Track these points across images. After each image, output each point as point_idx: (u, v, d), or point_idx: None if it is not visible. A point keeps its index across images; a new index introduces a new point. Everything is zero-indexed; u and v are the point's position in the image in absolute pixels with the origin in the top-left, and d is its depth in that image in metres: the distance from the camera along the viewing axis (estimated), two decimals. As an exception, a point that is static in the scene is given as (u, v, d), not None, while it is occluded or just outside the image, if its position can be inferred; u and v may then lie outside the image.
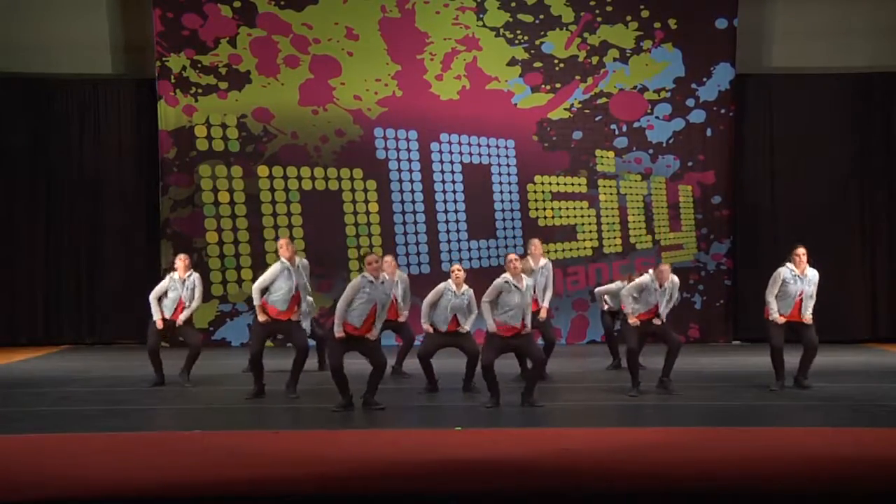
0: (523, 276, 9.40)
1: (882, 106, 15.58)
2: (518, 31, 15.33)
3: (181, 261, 10.69)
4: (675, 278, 10.18)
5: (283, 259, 9.83)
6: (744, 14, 15.38)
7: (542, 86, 15.42)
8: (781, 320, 10.08)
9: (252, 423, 8.91)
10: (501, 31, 15.31)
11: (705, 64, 15.42)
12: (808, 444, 7.62)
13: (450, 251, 15.33)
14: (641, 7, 15.36)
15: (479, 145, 15.45)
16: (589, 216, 15.61)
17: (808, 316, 10.11)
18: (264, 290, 9.81)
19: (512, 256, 9.39)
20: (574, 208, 15.58)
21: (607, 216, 15.60)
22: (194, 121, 15.10)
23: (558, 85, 15.43)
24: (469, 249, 15.40)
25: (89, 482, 6.54)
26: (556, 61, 15.40)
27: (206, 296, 13.93)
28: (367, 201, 15.30)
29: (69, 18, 15.23)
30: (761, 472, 6.84)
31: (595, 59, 15.42)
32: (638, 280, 10.14)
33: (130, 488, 6.43)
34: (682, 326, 14.39)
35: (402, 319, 11.17)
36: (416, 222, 15.37)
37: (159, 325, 10.51)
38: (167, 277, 10.72)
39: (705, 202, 15.59)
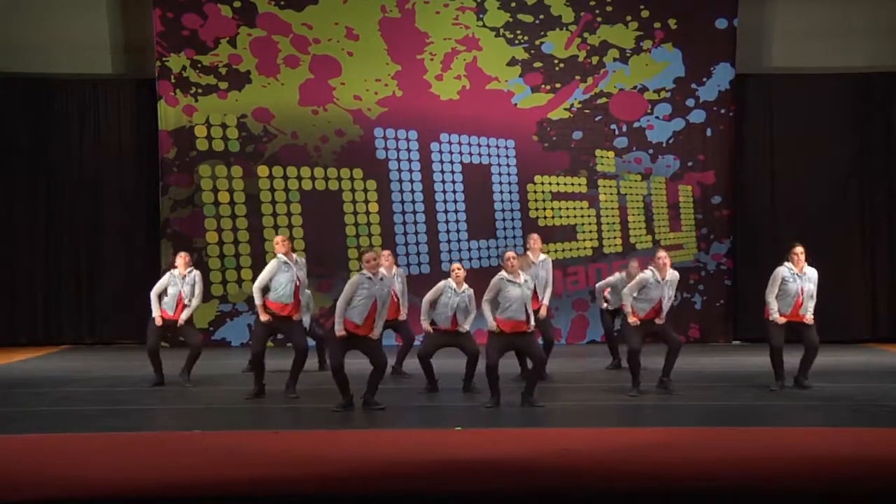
0: (521, 273, 9.42)
1: (882, 106, 15.58)
2: (518, 31, 15.33)
3: (181, 258, 10.70)
4: (675, 273, 10.16)
5: (279, 255, 9.87)
6: (744, 14, 15.38)
7: (542, 86, 15.42)
8: (782, 320, 10.08)
9: (252, 423, 8.91)
10: (501, 31, 15.32)
11: (705, 64, 15.42)
12: (808, 444, 7.62)
13: (450, 251, 15.32)
14: (641, 7, 15.36)
15: (479, 145, 15.46)
16: (589, 216, 15.61)
17: (809, 316, 10.11)
18: (265, 289, 9.84)
19: (510, 255, 9.39)
20: (574, 208, 15.58)
21: (607, 216, 15.60)
22: (194, 121, 15.10)
23: (558, 85, 15.44)
24: (469, 249, 15.41)
25: (89, 482, 6.54)
26: (556, 61, 15.41)
27: (206, 296, 13.94)
28: (367, 201, 15.30)
29: (69, 18, 15.23)
30: (761, 472, 6.83)
31: (595, 59, 15.42)
32: (638, 277, 10.12)
33: (130, 488, 6.43)
34: (682, 326, 14.40)
35: (402, 318, 11.18)
36: (416, 222, 15.37)
37: (158, 322, 10.51)
38: (167, 274, 10.72)
39: (705, 202, 15.59)
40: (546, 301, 10.92)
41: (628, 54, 15.43)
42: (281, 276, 9.78)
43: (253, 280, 10.35)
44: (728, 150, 15.58)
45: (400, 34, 15.20)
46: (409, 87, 15.24)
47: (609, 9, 15.34)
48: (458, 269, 10.07)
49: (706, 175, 15.59)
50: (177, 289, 10.53)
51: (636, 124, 15.53)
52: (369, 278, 9.00)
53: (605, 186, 15.60)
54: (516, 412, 9.10)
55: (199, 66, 15.05)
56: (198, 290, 10.65)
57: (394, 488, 6.64)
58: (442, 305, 9.95)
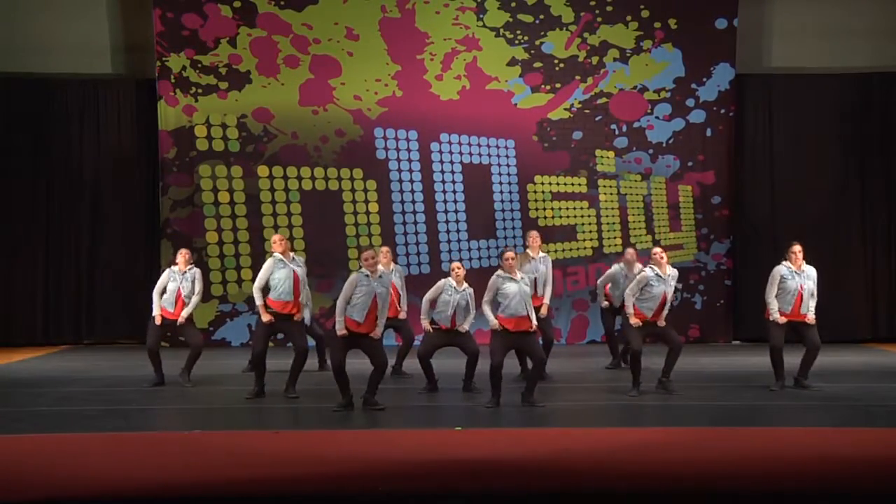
0: (518, 271, 9.44)
1: (882, 106, 15.58)
2: (518, 32, 15.33)
3: (182, 255, 10.69)
4: (674, 269, 10.17)
5: (275, 254, 9.88)
6: (744, 14, 15.38)
7: (542, 86, 15.42)
8: (783, 320, 10.08)
9: (252, 423, 8.92)
10: (501, 31, 15.31)
11: (705, 64, 15.42)
12: (808, 444, 7.62)
13: (450, 251, 15.32)
14: (641, 7, 15.36)
15: (479, 145, 15.45)
16: (589, 216, 15.61)
17: (810, 316, 10.11)
18: (265, 289, 9.86)
19: (509, 254, 9.39)
20: (574, 208, 15.58)
21: (607, 216, 15.60)
22: (194, 121, 15.09)
23: (558, 85, 15.44)
24: (469, 249, 15.40)
25: (89, 482, 6.55)
26: (556, 61, 15.41)
27: (206, 296, 13.95)
28: (367, 201, 15.30)
29: (69, 18, 15.23)
30: (761, 472, 6.84)
31: (595, 59, 15.42)
32: (638, 277, 10.13)
33: (130, 488, 6.44)
34: (682, 326, 14.37)
35: (401, 317, 11.19)
36: (416, 222, 15.37)
37: (157, 320, 10.51)
38: (167, 271, 10.72)
39: (705, 202, 15.59)
40: (547, 300, 10.94)
41: (628, 54, 15.43)
42: (278, 272, 9.82)
43: (253, 280, 10.36)
44: (728, 150, 15.58)
45: (400, 34, 15.20)
46: (409, 87, 15.23)
47: (609, 9, 15.34)
48: (458, 267, 10.08)
49: (706, 175, 15.59)
50: (176, 284, 10.52)
51: (636, 124, 15.53)
52: (367, 276, 9.02)
53: (605, 186, 15.60)
54: (516, 412, 9.10)
55: (199, 66, 15.05)
56: (198, 287, 10.65)
57: (394, 488, 6.64)
58: (442, 303, 9.95)
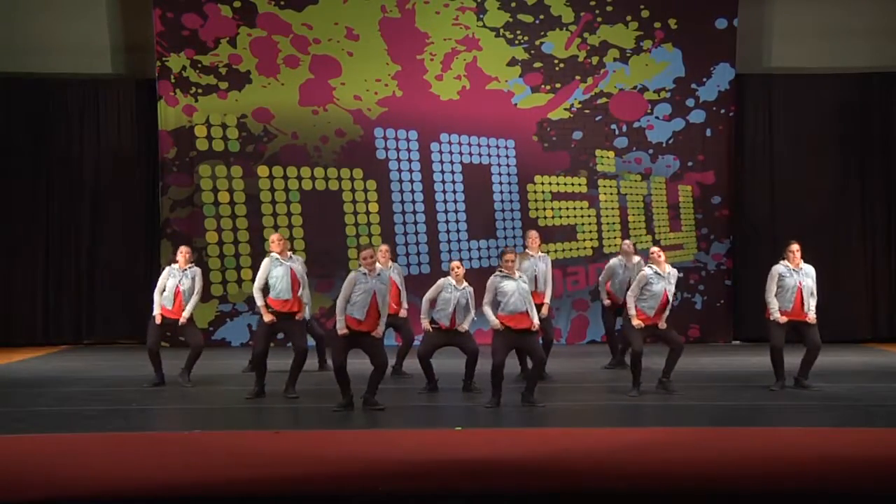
0: (517, 270, 9.47)
1: (882, 106, 15.58)
2: (518, 32, 15.33)
3: (182, 254, 10.66)
4: (675, 270, 10.18)
5: (272, 253, 9.90)
6: (744, 14, 15.38)
7: (542, 86, 15.42)
8: (783, 319, 10.09)
9: (252, 423, 8.92)
10: (501, 31, 15.31)
11: (705, 64, 15.42)
12: (808, 444, 7.62)
13: (450, 251, 15.32)
14: (641, 7, 15.36)
15: (479, 145, 15.45)
16: (589, 216, 15.61)
17: (811, 315, 10.13)
18: (265, 289, 9.88)
19: (509, 256, 9.39)
20: (574, 208, 15.58)
21: (607, 216, 15.60)
22: (194, 121, 15.09)
23: (558, 85, 15.44)
24: (469, 249, 15.40)
25: (89, 482, 6.55)
26: (556, 61, 15.41)
27: (206, 296, 13.95)
28: (367, 201, 15.30)
29: (69, 18, 15.22)
30: (761, 472, 6.84)
31: (595, 59, 15.42)
32: (638, 277, 10.14)
33: (130, 488, 6.44)
34: (682, 326, 14.36)
35: (402, 314, 11.19)
36: (416, 222, 15.37)
37: (157, 319, 10.51)
38: (166, 269, 10.71)
39: (705, 202, 15.59)
40: (548, 300, 10.97)
41: (628, 54, 15.44)
42: (275, 271, 9.85)
43: (253, 280, 10.36)
44: (728, 151, 15.58)
45: (400, 34, 15.20)
46: (409, 88, 15.24)
47: (609, 9, 15.34)
48: (458, 266, 10.08)
49: (706, 175, 15.59)
50: (175, 280, 10.51)
51: (636, 124, 15.53)
52: (365, 274, 9.04)
53: (605, 186, 15.60)
54: (516, 412, 9.10)
55: (199, 66, 15.05)
56: (198, 285, 10.64)
57: (394, 488, 6.64)
58: (442, 301, 9.94)
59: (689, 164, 15.56)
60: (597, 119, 15.51)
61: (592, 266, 15.38)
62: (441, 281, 10.08)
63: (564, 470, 6.88)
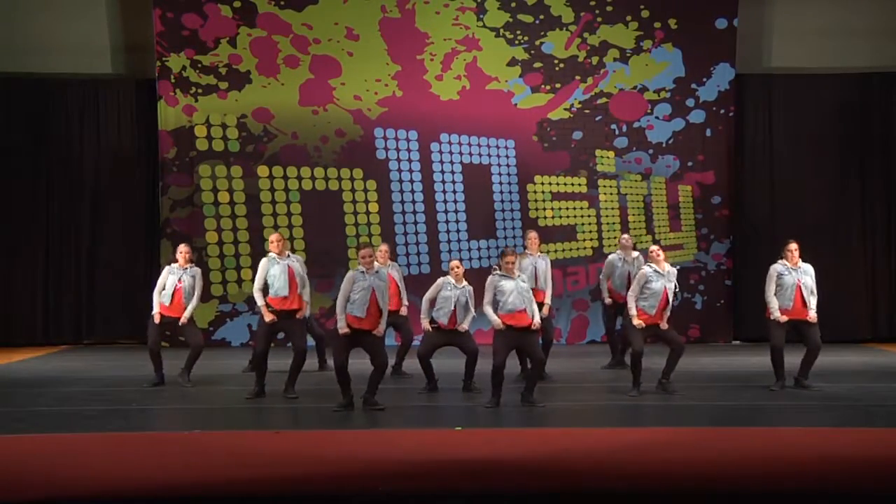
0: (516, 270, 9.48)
1: (882, 106, 15.58)
2: (518, 32, 15.33)
3: (182, 254, 10.65)
4: (674, 269, 10.18)
5: (270, 253, 9.91)
6: (744, 14, 15.38)
7: (542, 86, 15.42)
8: (783, 318, 10.09)
9: (252, 423, 8.92)
10: (501, 31, 15.31)
11: (705, 64, 15.42)
12: (808, 444, 7.62)
13: (450, 251, 15.31)
14: (641, 7, 15.36)
15: (479, 145, 15.45)
16: (589, 216, 15.61)
17: (812, 314, 10.14)
18: (264, 289, 9.89)
19: (510, 258, 9.38)
20: (574, 208, 15.58)
21: (607, 216, 15.60)
22: (194, 121, 15.10)
23: (558, 85, 15.44)
24: (469, 249, 15.40)
25: (89, 482, 6.55)
26: (556, 61, 15.41)
27: (206, 296, 13.95)
28: (367, 201, 15.30)
29: (69, 18, 15.22)
30: (761, 472, 6.84)
31: (595, 59, 15.42)
32: (637, 276, 10.14)
33: (130, 488, 6.44)
34: (682, 326, 14.35)
35: (403, 312, 11.19)
36: (416, 222, 15.37)
37: (157, 318, 10.51)
38: (166, 269, 10.71)
39: (705, 202, 15.59)
40: (548, 299, 10.97)
41: (628, 54, 15.44)
42: (272, 269, 9.88)
43: (253, 280, 10.36)
44: (728, 151, 15.58)
45: (400, 34, 15.20)
46: (409, 88, 15.24)
47: (609, 9, 15.34)
48: (457, 266, 10.07)
49: (706, 175, 15.59)
50: (175, 278, 10.51)
51: (636, 124, 15.53)
52: (363, 272, 9.06)
53: (605, 186, 15.60)
54: (516, 412, 9.10)
55: (199, 66, 15.05)
56: (198, 286, 10.65)
57: (394, 488, 6.64)
58: (442, 300, 9.93)
59: (689, 164, 15.56)
60: (597, 119, 15.51)
61: (592, 266, 15.37)
62: (440, 280, 10.08)
63: (564, 470, 6.88)
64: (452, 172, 15.43)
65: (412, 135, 15.34)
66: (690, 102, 15.48)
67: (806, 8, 15.65)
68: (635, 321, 9.90)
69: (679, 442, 7.63)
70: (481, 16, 15.26)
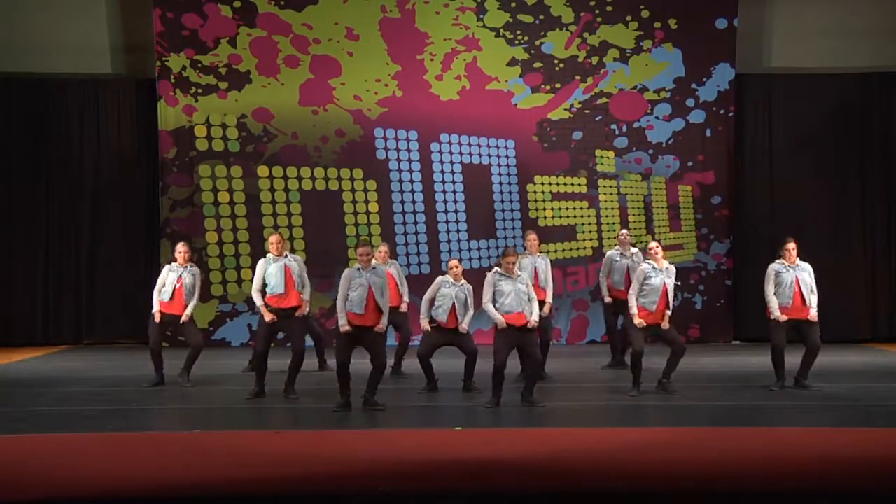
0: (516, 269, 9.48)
1: (882, 106, 15.58)
2: (518, 32, 15.33)
3: (181, 254, 10.64)
4: (673, 266, 10.19)
5: (268, 254, 9.92)
6: (744, 14, 15.38)
7: (542, 86, 15.42)
8: (783, 318, 10.09)
9: (252, 423, 8.92)
10: (501, 31, 15.31)
11: (705, 64, 15.42)
12: (808, 444, 7.62)
13: (450, 251, 15.31)
14: (641, 7, 15.36)
15: (479, 145, 15.46)
16: (589, 216, 15.61)
17: (813, 313, 10.14)
18: (262, 290, 9.89)
19: (510, 258, 9.37)
20: (574, 208, 15.58)
21: (607, 216, 15.60)
22: (194, 121, 15.10)
23: (558, 85, 15.44)
24: (469, 249, 15.40)
25: (89, 482, 6.55)
26: (556, 61, 15.41)
27: (206, 296, 13.95)
28: (367, 201, 15.30)
29: (69, 19, 15.22)
30: (761, 472, 6.84)
31: (595, 59, 15.42)
32: (637, 273, 10.14)
33: (130, 488, 6.44)
34: (682, 326, 14.35)
35: (403, 308, 11.18)
36: (416, 222, 15.37)
37: (157, 317, 10.51)
38: (165, 268, 10.72)
39: (705, 202, 15.59)
40: (549, 298, 10.97)
41: (628, 54, 15.44)
42: (269, 269, 9.89)
43: (252, 281, 10.36)
44: (728, 151, 15.57)
45: (400, 34, 15.20)
46: (409, 88, 15.24)
47: (609, 9, 15.34)
48: (456, 266, 10.06)
49: (706, 175, 15.59)
50: (175, 275, 10.51)
51: (636, 124, 15.53)
52: (359, 269, 9.08)
53: (605, 186, 15.60)
54: (516, 412, 9.10)
55: (199, 66, 15.05)
56: (198, 283, 10.66)
57: (394, 488, 6.64)
58: (441, 298, 9.91)
59: (689, 164, 15.56)
60: (597, 119, 15.51)
61: (592, 266, 15.37)
62: (438, 279, 10.09)
63: (564, 470, 6.88)
64: (452, 172, 15.43)
65: (412, 135, 15.34)
66: (690, 102, 15.48)
67: (806, 8, 15.65)
68: (636, 320, 9.90)
69: (679, 442, 7.63)
70: (481, 16, 15.27)
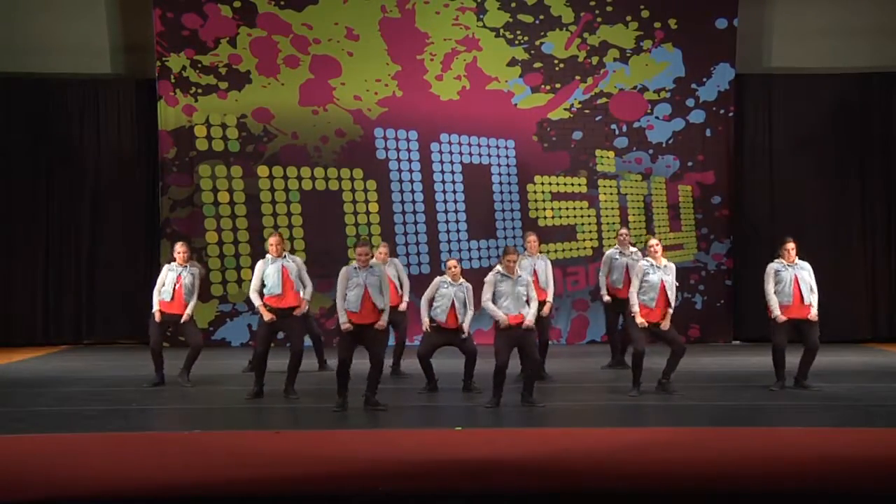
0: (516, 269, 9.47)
1: (882, 106, 15.58)
2: (518, 32, 15.33)
3: (180, 253, 10.64)
4: (672, 264, 10.19)
5: (267, 255, 9.94)
6: (744, 14, 15.38)
7: (542, 86, 15.42)
8: (783, 318, 10.09)
9: (252, 423, 8.92)
10: (501, 31, 15.31)
11: (705, 64, 15.42)
12: (808, 444, 7.62)
13: (450, 251, 15.31)
14: (641, 7, 15.36)
15: (479, 145, 15.46)
16: (589, 216, 15.61)
17: (813, 312, 10.14)
18: (260, 291, 9.90)
19: (511, 257, 9.38)
20: (574, 208, 15.58)
21: (607, 216, 15.60)
22: (194, 121, 15.10)
23: (558, 85, 15.44)
24: (469, 249, 15.40)
25: (89, 482, 6.55)
26: (556, 61, 15.41)
27: (206, 295, 13.95)
28: (367, 201, 15.30)
29: (69, 18, 15.23)
30: (761, 472, 6.84)
31: (595, 59, 15.42)
32: (636, 270, 10.14)
33: (130, 488, 6.44)
34: (682, 326, 14.34)
35: (402, 307, 11.18)
36: (416, 222, 15.37)
37: (157, 317, 10.51)
38: (164, 267, 10.72)
39: (705, 202, 15.59)
40: (550, 298, 10.98)
41: (628, 54, 15.44)
42: (267, 269, 9.92)
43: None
44: (728, 151, 15.57)
45: (400, 34, 15.20)
46: (409, 88, 15.24)
47: (609, 9, 15.34)
48: (454, 266, 10.05)
49: (706, 175, 15.59)
50: (175, 274, 10.52)
51: (636, 124, 15.53)
52: (356, 269, 9.10)
53: (605, 186, 15.60)
54: (516, 412, 9.10)
55: (199, 66, 15.05)
56: (197, 282, 10.66)
57: (394, 488, 6.64)
58: (441, 297, 9.91)
59: (689, 164, 15.56)
60: (597, 119, 15.51)
61: (592, 266, 15.36)
62: (437, 279, 10.08)
63: (564, 470, 6.88)
64: (452, 172, 15.43)
65: (412, 135, 15.34)
66: (690, 102, 15.48)
67: (806, 8, 15.65)
68: (637, 318, 9.89)
69: (679, 442, 7.63)
70: (481, 16, 15.27)
